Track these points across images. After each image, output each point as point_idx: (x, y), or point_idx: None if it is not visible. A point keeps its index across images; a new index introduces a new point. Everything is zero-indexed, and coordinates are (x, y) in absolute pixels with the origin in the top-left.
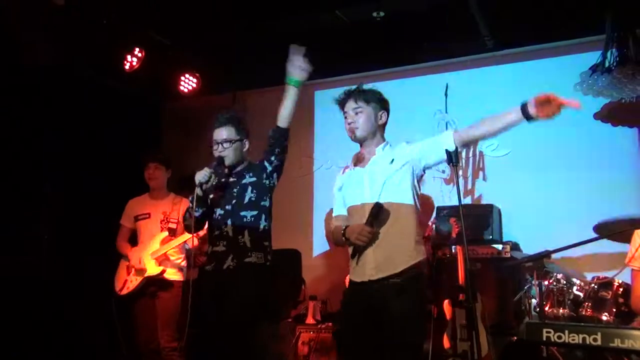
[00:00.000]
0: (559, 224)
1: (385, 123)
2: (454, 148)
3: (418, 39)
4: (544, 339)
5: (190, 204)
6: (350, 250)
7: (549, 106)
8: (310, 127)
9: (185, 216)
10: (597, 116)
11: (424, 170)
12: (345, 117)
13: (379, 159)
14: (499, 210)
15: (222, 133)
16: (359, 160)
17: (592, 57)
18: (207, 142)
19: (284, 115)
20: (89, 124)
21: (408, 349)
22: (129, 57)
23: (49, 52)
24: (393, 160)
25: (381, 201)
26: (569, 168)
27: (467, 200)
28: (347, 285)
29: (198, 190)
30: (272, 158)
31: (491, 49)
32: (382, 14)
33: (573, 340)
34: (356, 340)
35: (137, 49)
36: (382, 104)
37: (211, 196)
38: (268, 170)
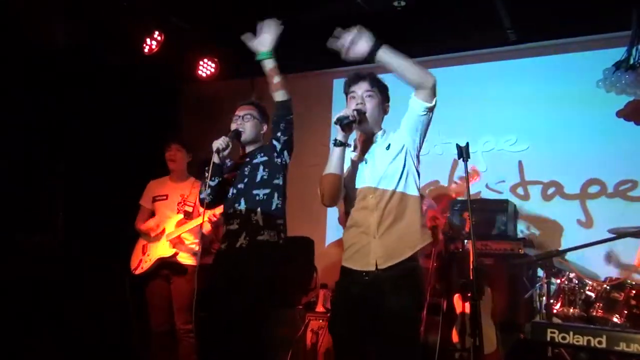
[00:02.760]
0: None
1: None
2: (424, 102)
3: (439, 29)
4: (548, 339)
5: (206, 173)
6: (345, 237)
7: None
8: (328, 115)
9: (200, 189)
10: (619, 114)
11: (420, 143)
12: (352, 98)
13: (378, 147)
14: (515, 207)
15: (246, 109)
16: (358, 148)
17: (616, 54)
18: (227, 119)
19: (275, 88)
20: (105, 109)
21: (404, 344)
22: (148, 40)
23: (66, 34)
24: (390, 145)
25: (381, 188)
26: (589, 166)
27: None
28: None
29: (215, 157)
30: (279, 134)
31: (513, 42)
32: (403, 3)
33: (577, 341)
34: (351, 333)
35: (156, 33)
36: (388, 97)
37: (225, 176)
38: (278, 148)
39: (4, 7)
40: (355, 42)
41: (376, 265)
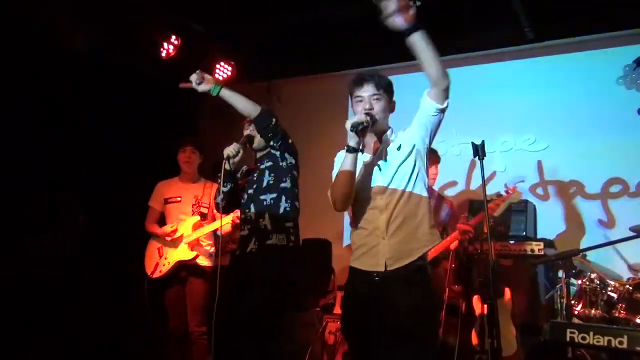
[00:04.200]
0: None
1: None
2: (436, 104)
3: (456, 29)
4: (568, 339)
5: (219, 179)
6: (353, 236)
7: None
8: (343, 117)
9: (216, 194)
10: None
11: (429, 143)
12: (359, 102)
13: (388, 148)
14: (534, 207)
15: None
16: (370, 150)
17: (636, 50)
18: (242, 125)
19: (241, 110)
20: (120, 113)
21: (417, 343)
22: (165, 44)
23: (84, 38)
24: (400, 146)
25: (391, 188)
26: (610, 165)
27: None
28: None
29: (226, 165)
30: (272, 143)
31: (532, 41)
32: (419, 3)
33: (598, 342)
34: (362, 333)
35: (173, 37)
36: (393, 95)
37: (240, 182)
38: (279, 154)
39: (5, 7)
40: (403, 11)
41: (385, 266)
